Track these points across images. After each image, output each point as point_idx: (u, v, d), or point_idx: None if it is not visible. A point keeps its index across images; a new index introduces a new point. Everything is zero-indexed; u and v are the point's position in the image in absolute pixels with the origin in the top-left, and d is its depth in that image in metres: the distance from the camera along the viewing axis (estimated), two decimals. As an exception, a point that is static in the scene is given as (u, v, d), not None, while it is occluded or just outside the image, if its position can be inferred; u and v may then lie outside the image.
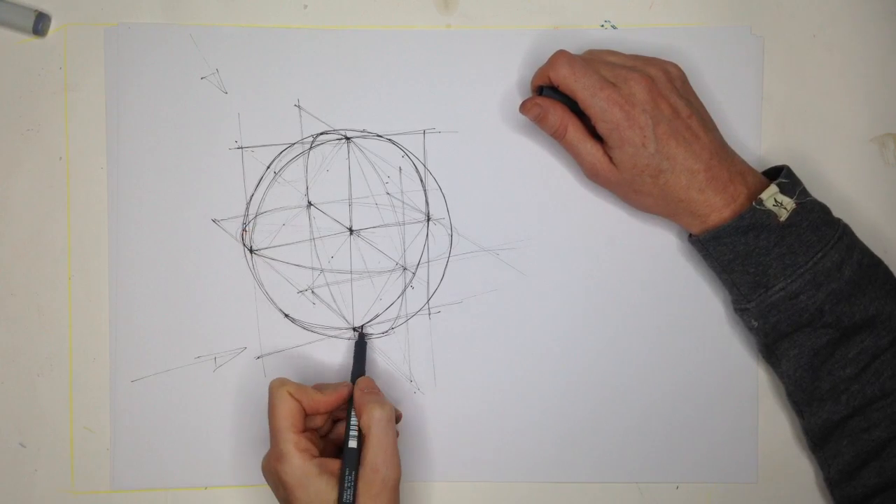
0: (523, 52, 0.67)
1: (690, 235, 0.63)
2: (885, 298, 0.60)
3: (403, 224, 0.67)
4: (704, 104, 0.63)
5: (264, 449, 0.62)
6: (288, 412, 0.58)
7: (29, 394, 0.66)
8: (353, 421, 0.60)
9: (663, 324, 0.67)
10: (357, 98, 0.67)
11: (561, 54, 0.61)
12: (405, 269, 0.67)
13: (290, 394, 0.58)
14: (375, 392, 0.61)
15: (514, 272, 0.67)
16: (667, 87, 0.61)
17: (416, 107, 0.67)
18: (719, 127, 0.63)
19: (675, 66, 0.62)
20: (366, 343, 0.65)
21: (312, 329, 0.66)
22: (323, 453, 0.59)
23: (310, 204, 0.67)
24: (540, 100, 0.62)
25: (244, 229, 0.66)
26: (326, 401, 0.60)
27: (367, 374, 0.64)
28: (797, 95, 0.67)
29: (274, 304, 0.66)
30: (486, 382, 0.66)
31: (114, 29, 0.66)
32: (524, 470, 0.66)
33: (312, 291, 0.66)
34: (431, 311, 0.67)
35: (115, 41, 0.66)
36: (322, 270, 0.66)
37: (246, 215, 0.66)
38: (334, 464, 0.58)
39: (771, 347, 0.62)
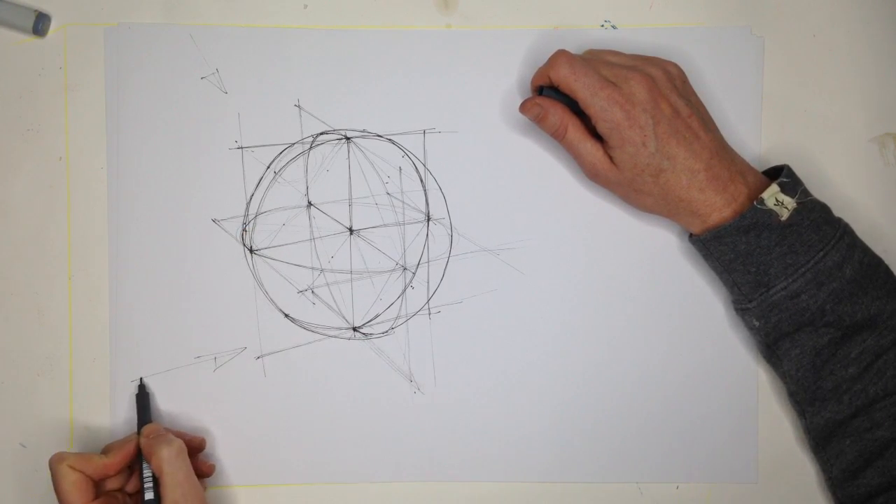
0: (523, 52, 0.67)
1: (691, 235, 0.63)
2: (887, 298, 0.60)
3: (403, 224, 0.67)
4: (704, 104, 0.63)
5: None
6: (71, 486, 0.58)
7: (29, 394, 0.66)
8: (147, 472, 0.60)
9: (663, 324, 0.66)
10: (357, 98, 0.67)
11: (561, 54, 0.61)
12: (405, 269, 0.67)
13: (71, 467, 0.58)
14: (163, 434, 0.61)
15: (514, 272, 0.67)
16: (667, 86, 0.61)
17: (416, 107, 0.67)
18: (719, 127, 0.63)
19: (676, 65, 0.62)
20: (147, 393, 0.65)
21: (312, 329, 0.66)
22: None
23: (310, 204, 0.66)
24: (540, 100, 0.62)
25: (244, 229, 0.66)
26: (112, 462, 0.60)
27: (153, 420, 0.64)
28: (797, 95, 0.67)
29: (274, 304, 0.66)
30: (486, 382, 0.66)
31: (114, 29, 0.66)
32: (524, 470, 0.66)
33: (312, 291, 0.66)
34: (431, 311, 0.67)
35: (115, 41, 0.66)
36: (322, 270, 0.66)
37: (246, 215, 0.66)
38: None
39: (772, 347, 0.62)
